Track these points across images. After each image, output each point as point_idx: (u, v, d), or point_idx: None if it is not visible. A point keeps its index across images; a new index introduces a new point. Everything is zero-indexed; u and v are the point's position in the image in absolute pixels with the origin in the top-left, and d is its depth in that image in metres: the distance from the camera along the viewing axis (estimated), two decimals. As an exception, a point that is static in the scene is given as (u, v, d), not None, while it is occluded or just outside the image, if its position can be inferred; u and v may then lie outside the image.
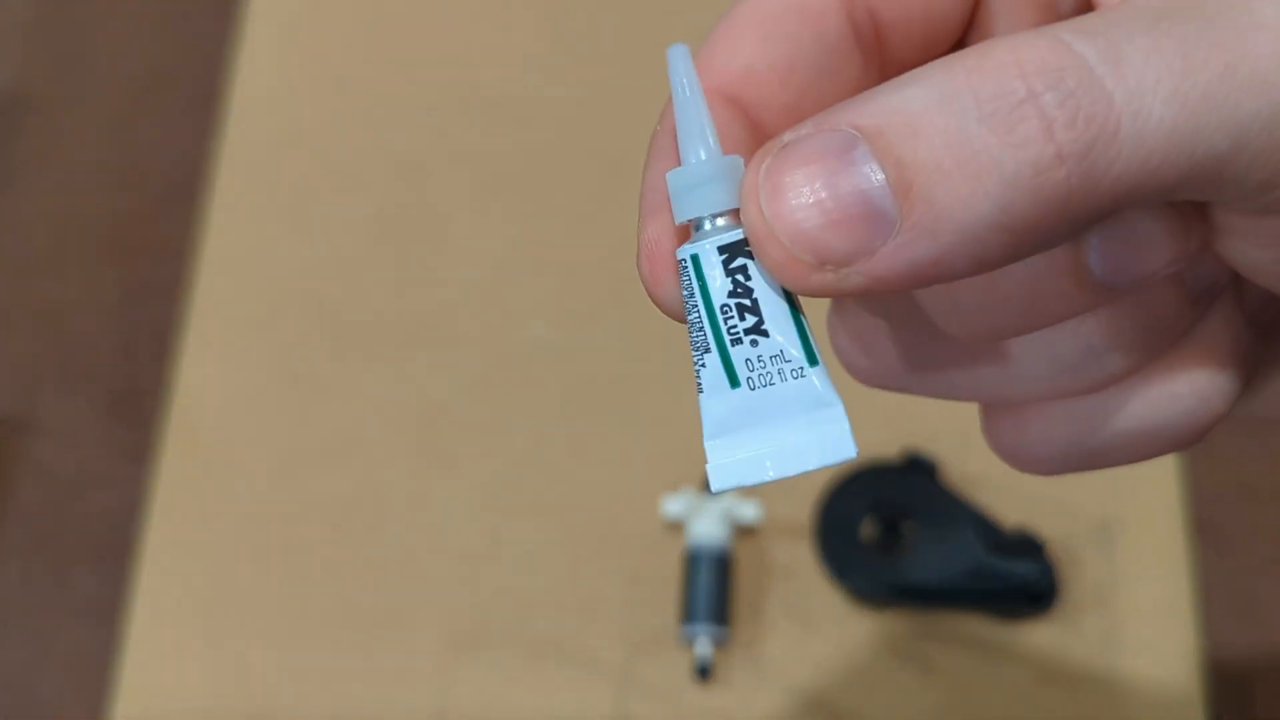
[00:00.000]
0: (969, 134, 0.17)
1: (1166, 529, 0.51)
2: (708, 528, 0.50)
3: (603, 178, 0.59)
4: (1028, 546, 0.49)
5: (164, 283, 0.59)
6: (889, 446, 0.51)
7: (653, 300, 0.21)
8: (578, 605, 0.51)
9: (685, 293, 0.21)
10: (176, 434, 0.55)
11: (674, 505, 0.51)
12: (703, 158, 0.21)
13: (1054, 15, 0.22)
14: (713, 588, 0.49)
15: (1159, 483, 0.52)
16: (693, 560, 0.50)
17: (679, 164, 0.21)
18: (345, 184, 0.60)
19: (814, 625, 0.50)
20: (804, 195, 0.18)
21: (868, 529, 0.50)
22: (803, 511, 0.51)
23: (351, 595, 0.52)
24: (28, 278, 0.59)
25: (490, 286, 0.57)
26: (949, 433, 0.52)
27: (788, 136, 0.19)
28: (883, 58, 0.22)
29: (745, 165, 0.20)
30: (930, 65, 0.18)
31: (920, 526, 0.49)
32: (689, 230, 0.21)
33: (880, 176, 0.18)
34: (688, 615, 0.49)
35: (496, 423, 0.55)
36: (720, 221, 0.21)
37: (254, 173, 0.61)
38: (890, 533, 0.49)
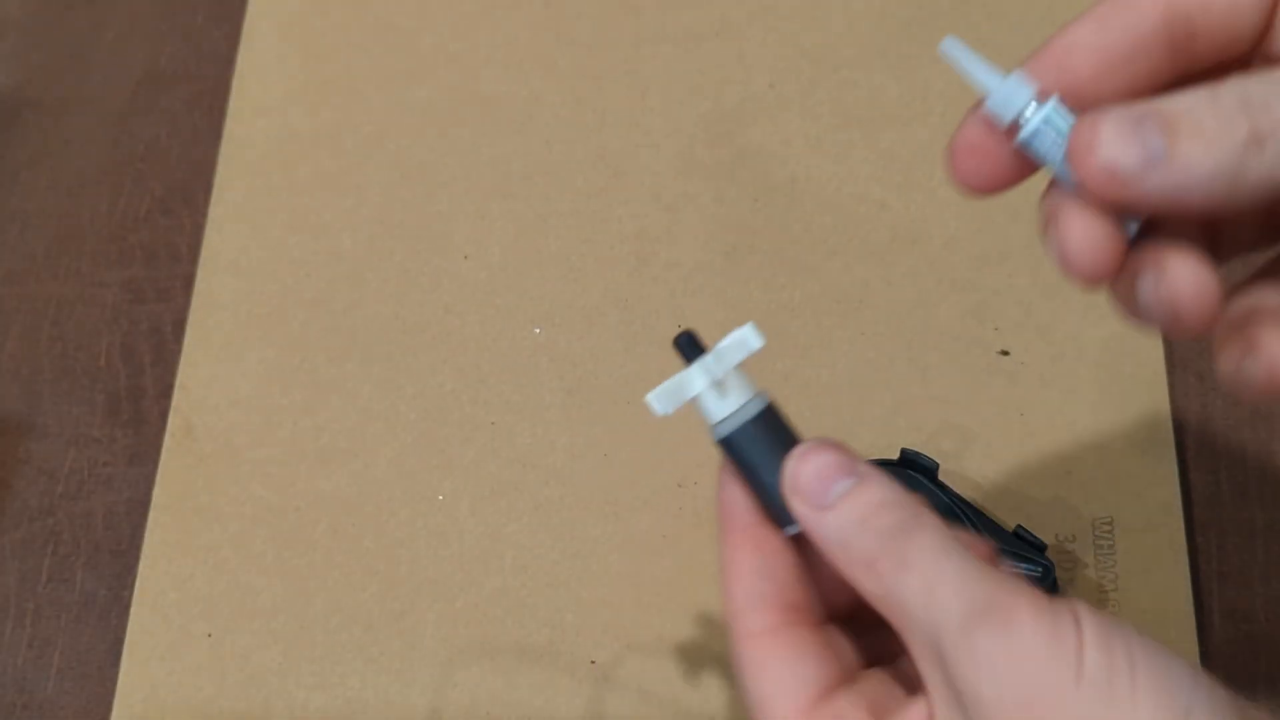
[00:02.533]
0: (1207, 120, 0.28)
1: (1166, 529, 0.51)
2: (726, 393, 0.35)
3: (603, 178, 0.60)
4: (1028, 546, 0.49)
5: (164, 283, 0.59)
6: (889, 446, 0.51)
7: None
8: (577, 605, 0.51)
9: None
10: (176, 434, 0.55)
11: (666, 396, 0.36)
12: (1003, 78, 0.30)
13: None
14: (777, 453, 0.34)
15: (1159, 483, 0.52)
16: (731, 447, 0.35)
17: None
18: (345, 184, 0.60)
19: (814, 625, 0.50)
20: (1112, 134, 0.29)
21: (868, 529, 0.50)
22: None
23: (351, 595, 0.52)
24: (28, 278, 0.59)
25: (490, 286, 0.58)
26: (949, 433, 0.53)
27: (1108, 109, 0.29)
28: (1189, 52, 0.31)
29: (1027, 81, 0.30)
30: (1196, 89, 0.29)
31: (920, 526, 0.49)
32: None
33: (1159, 137, 0.28)
34: (775, 517, 0.34)
35: (496, 423, 0.55)
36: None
37: (254, 173, 0.61)
38: (890, 533, 0.49)
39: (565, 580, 0.51)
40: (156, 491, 0.54)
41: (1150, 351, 0.54)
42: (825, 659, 0.33)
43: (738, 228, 0.58)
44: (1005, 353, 0.54)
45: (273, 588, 0.52)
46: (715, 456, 0.54)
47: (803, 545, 0.34)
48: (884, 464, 0.51)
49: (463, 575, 0.52)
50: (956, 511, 0.49)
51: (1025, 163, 0.32)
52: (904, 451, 0.51)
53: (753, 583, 0.34)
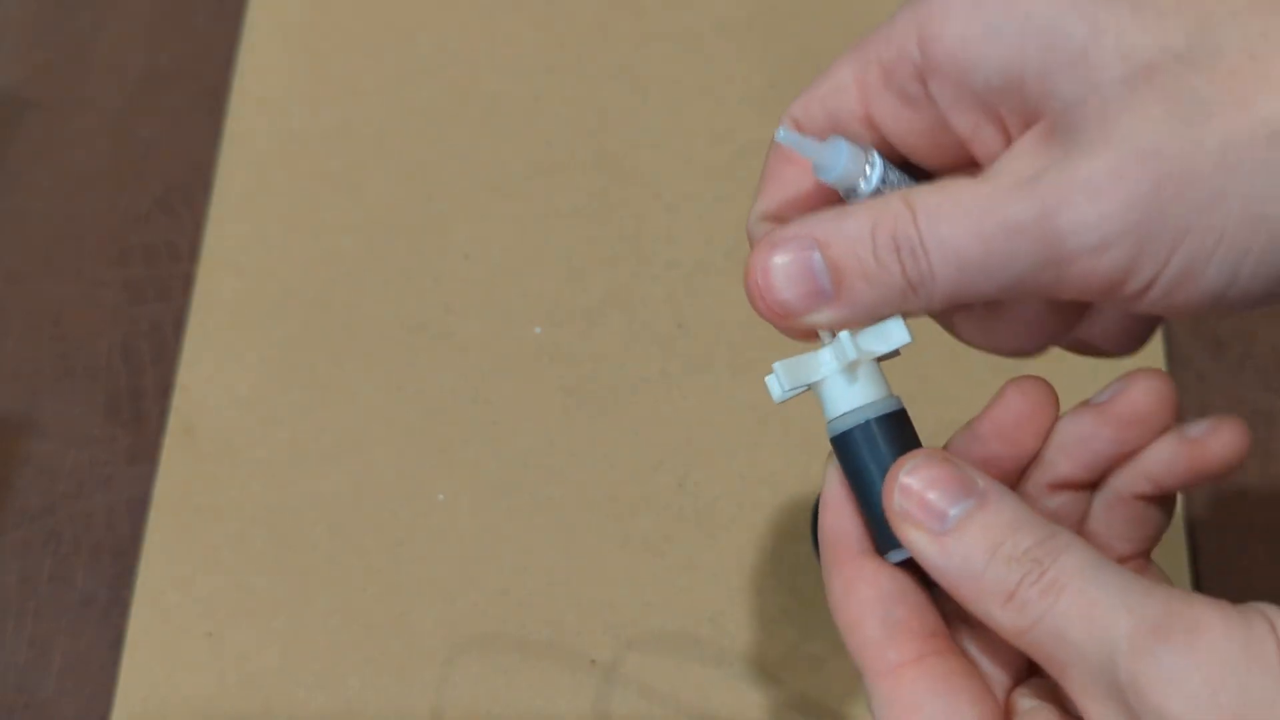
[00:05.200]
0: (869, 263, 0.30)
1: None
2: (855, 384, 0.32)
3: (603, 178, 0.59)
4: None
5: (164, 283, 0.59)
6: (889, 446, 0.51)
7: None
8: (577, 604, 0.51)
9: None
10: (176, 434, 0.55)
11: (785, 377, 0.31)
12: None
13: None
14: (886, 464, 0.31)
15: (1159, 483, 0.52)
16: (845, 448, 0.31)
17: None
18: (345, 184, 0.60)
19: (813, 625, 0.50)
20: (781, 273, 0.30)
21: (868, 529, 0.50)
22: (800, 509, 0.51)
23: (351, 594, 0.52)
24: (28, 278, 0.59)
25: (490, 286, 0.57)
26: (949, 433, 0.52)
27: (778, 234, 0.30)
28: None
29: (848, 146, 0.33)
30: (866, 205, 0.30)
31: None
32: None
33: (826, 276, 0.30)
34: (880, 540, 0.31)
35: (496, 422, 0.55)
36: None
37: (255, 173, 0.61)
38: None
39: (565, 580, 0.51)
40: (156, 491, 0.54)
41: (1150, 351, 0.54)
42: (981, 695, 0.29)
43: (738, 228, 0.58)
44: (1005, 353, 0.54)
45: (273, 588, 0.52)
46: (714, 457, 0.54)
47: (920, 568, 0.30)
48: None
49: (463, 575, 0.52)
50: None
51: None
52: (904, 451, 0.51)
53: (884, 609, 0.30)
